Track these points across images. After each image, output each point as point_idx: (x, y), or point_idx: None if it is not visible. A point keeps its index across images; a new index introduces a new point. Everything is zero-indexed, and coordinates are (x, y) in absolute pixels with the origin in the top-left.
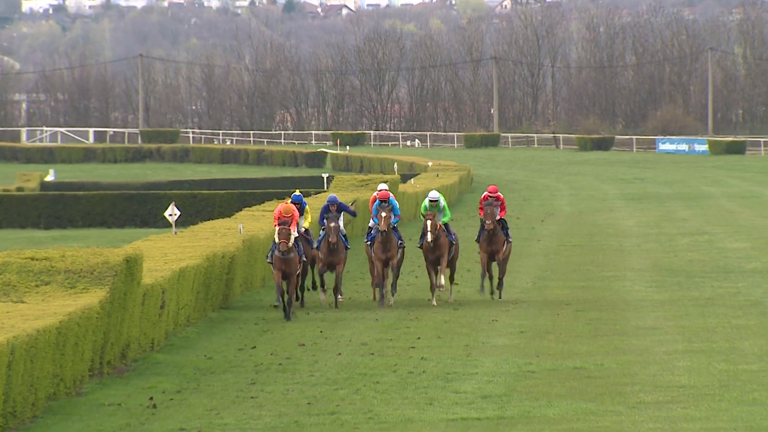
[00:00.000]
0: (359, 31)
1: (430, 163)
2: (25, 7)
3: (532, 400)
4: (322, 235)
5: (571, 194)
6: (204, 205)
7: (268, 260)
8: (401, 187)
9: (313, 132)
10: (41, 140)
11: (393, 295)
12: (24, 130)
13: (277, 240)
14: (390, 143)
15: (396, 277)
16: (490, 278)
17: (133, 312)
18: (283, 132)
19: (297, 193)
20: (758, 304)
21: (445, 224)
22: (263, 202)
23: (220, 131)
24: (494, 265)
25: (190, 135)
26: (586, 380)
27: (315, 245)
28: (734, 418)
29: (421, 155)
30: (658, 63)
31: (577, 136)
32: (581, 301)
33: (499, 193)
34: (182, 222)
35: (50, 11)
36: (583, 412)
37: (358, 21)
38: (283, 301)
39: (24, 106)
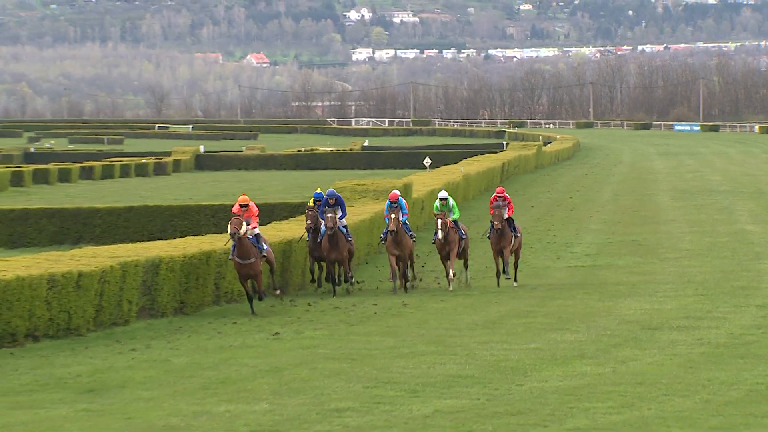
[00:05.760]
0: (522, 69)
1: (558, 136)
2: (354, 57)
3: (610, 256)
4: (323, 230)
5: (630, 152)
6: (443, 157)
7: (230, 257)
8: (544, 148)
9: (498, 120)
10: (361, 125)
11: (415, 278)
12: (353, 120)
13: (229, 229)
14: (538, 126)
15: (412, 263)
16: (505, 264)
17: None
18: (483, 120)
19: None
20: (727, 208)
21: (455, 221)
22: (473, 156)
23: (451, 120)
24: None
25: (436, 122)
26: (638, 246)
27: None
28: (715, 266)
29: (553, 132)
30: (674, 85)
31: (633, 122)
32: (636, 206)
33: (506, 194)
34: (433, 165)
35: (366, 60)
36: (636, 263)
37: (521, 63)
38: (250, 299)
39: (353, 107)
